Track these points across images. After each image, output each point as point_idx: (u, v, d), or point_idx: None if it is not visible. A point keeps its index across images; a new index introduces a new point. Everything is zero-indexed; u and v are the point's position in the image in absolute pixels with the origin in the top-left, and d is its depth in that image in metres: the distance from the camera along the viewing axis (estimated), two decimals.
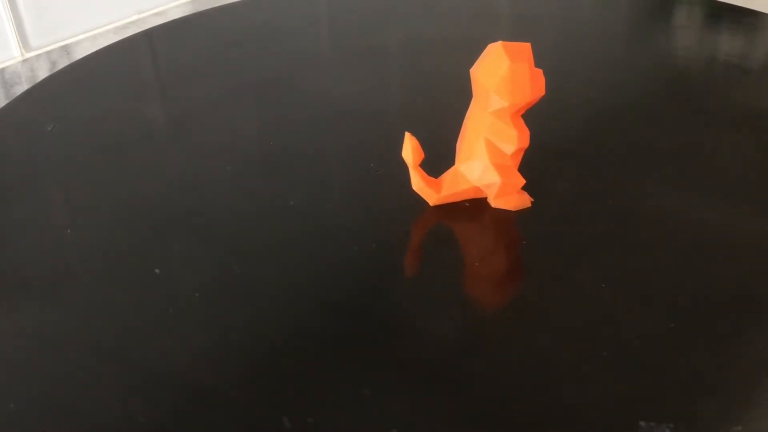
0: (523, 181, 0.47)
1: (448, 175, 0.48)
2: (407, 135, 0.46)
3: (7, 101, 0.77)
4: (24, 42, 0.77)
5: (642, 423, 0.34)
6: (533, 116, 0.47)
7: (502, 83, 0.44)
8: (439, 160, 0.48)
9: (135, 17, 0.85)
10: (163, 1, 0.87)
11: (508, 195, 0.48)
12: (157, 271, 0.44)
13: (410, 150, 0.46)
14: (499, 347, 0.39)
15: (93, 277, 0.44)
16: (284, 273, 0.44)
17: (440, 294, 0.42)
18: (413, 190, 0.48)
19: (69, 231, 0.47)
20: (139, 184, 0.51)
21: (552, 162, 0.52)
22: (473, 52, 0.48)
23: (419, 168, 0.47)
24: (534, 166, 0.49)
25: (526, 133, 0.46)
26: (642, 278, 0.43)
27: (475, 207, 0.48)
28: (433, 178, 0.48)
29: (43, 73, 0.80)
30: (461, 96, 0.51)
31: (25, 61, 0.78)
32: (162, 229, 0.47)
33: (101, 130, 0.57)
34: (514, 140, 0.46)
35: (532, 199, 0.49)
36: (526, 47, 0.45)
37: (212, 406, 0.36)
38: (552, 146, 0.54)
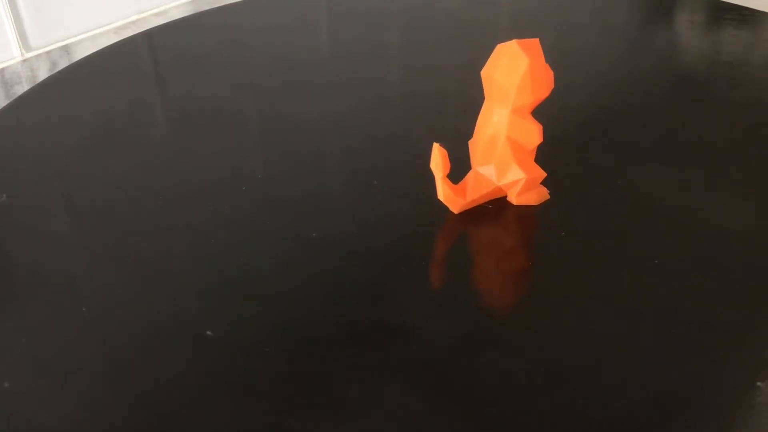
0: (544, 174, 0.48)
1: (469, 180, 0.48)
2: (436, 146, 0.46)
3: (7, 101, 0.77)
4: (24, 42, 0.77)
5: (758, 383, 0.36)
6: (535, 113, 0.47)
7: (524, 80, 0.45)
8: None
9: (135, 17, 0.85)
10: (163, 1, 0.87)
11: (530, 190, 0.48)
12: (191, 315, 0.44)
13: (439, 161, 0.46)
14: (598, 336, 0.40)
15: (94, 282, 0.44)
16: (335, 306, 0.43)
17: (517, 298, 0.43)
18: (425, 201, 0.48)
19: (68, 227, 0.47)
20: (140, 185, 0.51)
21: (557, 156, 0.52)
22: (473, 54, 0.48)
23: (446, 178, 0.47)
24: (540, 160, 0.49)
25: (540, 127, 0.47)
26: (689, 253, 0.45)
27: (498, 207, 0.49)
28: (456, 186, 0.48)
29: (43, 73, 0.79)
30: (462, 98, 0.51)
31: (25, 61, 0.78)
32: (167, 242, 0.47)
33: (102, 132, 0.57)
34: (535, 135, 0.47)
35: (549, 191, 0.49)
36: (535, 43, 0.45)
37: (220, 406, 0.36)
38: (555, 141, 0.54)
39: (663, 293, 0.42)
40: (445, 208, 0.48)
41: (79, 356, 0.39)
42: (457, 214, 0.48)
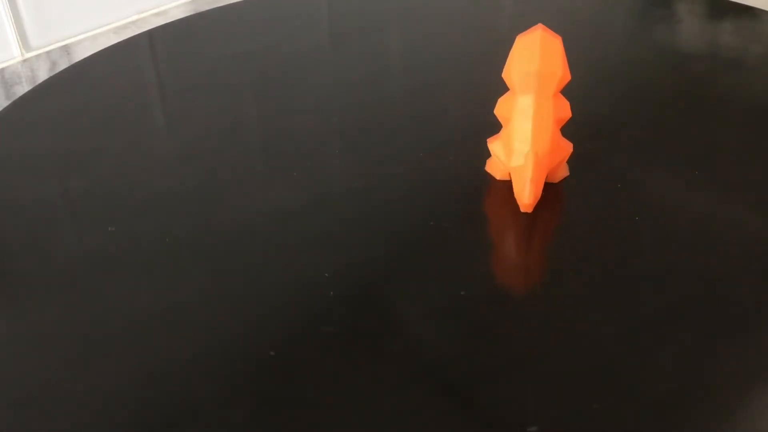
0: (571, 144, 0.49)
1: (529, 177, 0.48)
2: (534, 153, 0.46)
3: (7, 101, 0.77)
4: (24, 42, 0.77)
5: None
6: None
7: (563, 60, 0.46)
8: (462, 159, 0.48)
9: (135, 17, 0.85)
10: (163, 1, 0.87)
11: (562, 165, 0.50)
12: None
13: (543, 168, 0.46)
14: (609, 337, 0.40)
15: (97, 279, 0.44)
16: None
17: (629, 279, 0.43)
18: (474, 205, 0.49)
19: (67, 231, 0.47)
20: (139, 183, 0.51)
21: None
22: (467, 54, 0.48)
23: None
24: None
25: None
26: (694, 246, 0.45)
27: (551, 191, 0.49)
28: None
29: (43, 73, 0.79)
30: (465, 97, 0.51)
31: (25, 61, 0.78)
32: (164, 241, 0.47)
33: (102, 132, 0.57)
34: (568, 109, 0.48)
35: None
36: (541, 26, 0.46)
37: (212, 409, 0.36)
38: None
39: (673, 289, 0.43)
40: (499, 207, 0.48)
41: (79, 353, 0.39)
42: (525, 207, 0.48)
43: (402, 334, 0.40)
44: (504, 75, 0.47)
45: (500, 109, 0.49)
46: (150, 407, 0.36)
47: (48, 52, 0.79)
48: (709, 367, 0.38)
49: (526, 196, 0.46)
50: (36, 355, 0.39)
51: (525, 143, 0.47)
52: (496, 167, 0.51)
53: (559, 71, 0.46)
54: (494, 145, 0.50)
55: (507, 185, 0.50)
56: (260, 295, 0.43)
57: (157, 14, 0.87)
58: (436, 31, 0.72)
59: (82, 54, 0.81)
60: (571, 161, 0.50)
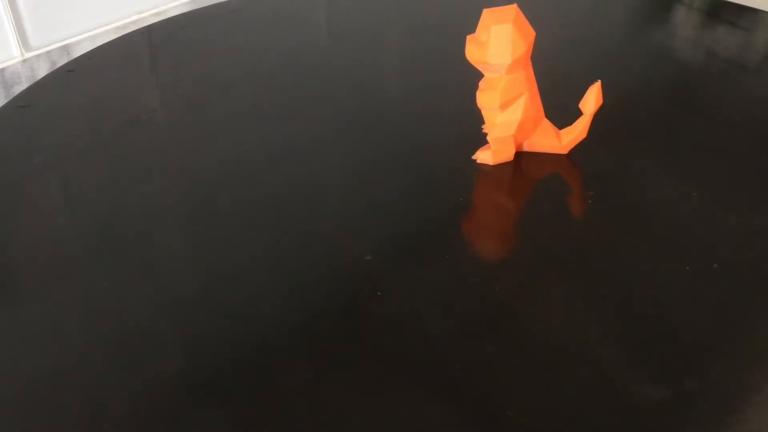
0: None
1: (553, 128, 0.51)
2: (597, 84, 0.49)
3: (7, 101, 0.77)
4: (24, 42, 0.77)
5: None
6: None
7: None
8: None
9: (135, 17, 0.85)
10: (163, 2, 0.87)
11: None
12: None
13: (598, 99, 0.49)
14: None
15: (96, 278, 0.44)
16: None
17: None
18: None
19: (64, 222, 0.47)
20: (139, 184, 0.51)
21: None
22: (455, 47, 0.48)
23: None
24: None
25: None
26: (685, 247, 0.44)
27: (550, 188, 0.50)
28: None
29: (43, 73, 0.80)
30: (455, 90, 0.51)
31: (25, 61, 0.78)
32: (161, 241, 0.47)
33: (102, 130, 0.57)
34: None
35: None
36: (490, 10, 0.48)
37: (213, 403, 0.36)
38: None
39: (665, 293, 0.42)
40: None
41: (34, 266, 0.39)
42: (573, 176, 0.50)
43: (405, 328, 0.40)
44: (503, 62, 0.47)
45: (504, 96, 0.48)
46: (149, 402, 0.36)
47: (48, 52, 0.80)
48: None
49: (578, 131, 0.51)
50: (39, 350, 0.39)
51: (540, 107, 0.50)
52: (498, 153, 0.51)
53: (533, 36, 0.48)
54: (506, 135, 0.50)
55: (510, 171, 0.50)
56: (260, 293, 0.42)
57: (156, 14, 0.87)
58: (434, 32, 0.72)
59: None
60: (568, 160, 0.50)
